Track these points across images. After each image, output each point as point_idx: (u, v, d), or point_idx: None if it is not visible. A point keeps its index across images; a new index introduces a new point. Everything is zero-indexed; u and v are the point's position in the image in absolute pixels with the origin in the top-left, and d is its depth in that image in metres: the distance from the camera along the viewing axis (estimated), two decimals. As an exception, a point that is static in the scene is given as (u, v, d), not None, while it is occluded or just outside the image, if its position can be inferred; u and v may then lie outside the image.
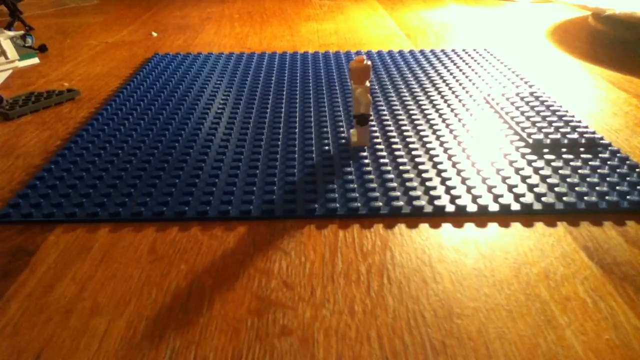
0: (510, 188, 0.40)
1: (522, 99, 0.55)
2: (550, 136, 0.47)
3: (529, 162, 0.43)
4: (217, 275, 0.32)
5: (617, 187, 0.39)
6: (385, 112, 0.55)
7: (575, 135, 0.47)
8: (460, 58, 0.72)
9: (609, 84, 0.63)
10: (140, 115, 0.56)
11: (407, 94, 0.59)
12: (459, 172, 0.42)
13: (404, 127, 0.51)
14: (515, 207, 0.38)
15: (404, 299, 0.30)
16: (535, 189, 0.39)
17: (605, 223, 0.36)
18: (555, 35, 0.86)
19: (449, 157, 0.45)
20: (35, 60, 0.80)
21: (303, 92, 0.61)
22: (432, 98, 0.58)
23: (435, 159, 0.44)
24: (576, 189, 0.39)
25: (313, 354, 0.26)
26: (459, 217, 0.37)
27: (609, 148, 0.45)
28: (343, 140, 0.49)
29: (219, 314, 0.29)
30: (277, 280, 0.31)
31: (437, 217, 0.37)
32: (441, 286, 0.31)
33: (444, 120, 0.52)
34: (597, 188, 0.39)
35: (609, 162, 0.43)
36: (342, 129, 0.51)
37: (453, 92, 0.59)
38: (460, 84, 0.62)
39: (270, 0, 1.21)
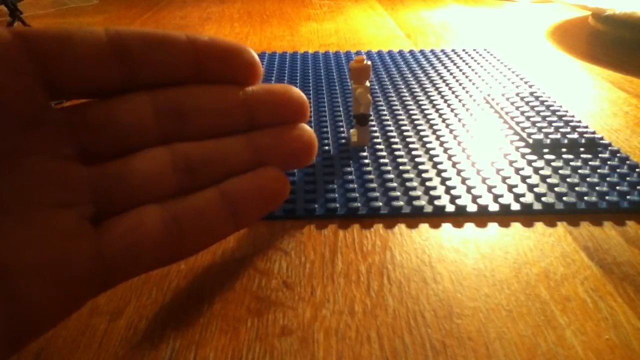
0: (510, 188, 0.40)
1: (522, 99, 0.55)
2: (550, 136, 0.47)
3: (529, 162, 0.43)
4: (217, 275, 0.32)
5: (617, 187, 0.39)
6: (385, 112, 0.55)
7: (575, 135, 0.47)
8: (460, 58, 0.72)
9: (609, 84, 0.63)
10: (140, 115, 0.55)
11: (407, 94, 0.59)
12: (459, 172, 0.42)
13: (404, 127, 0.51)
14: (515, 207, 0.38)
15: (404, 299, 0.30)
16: (535, 189, 0.39)
17: (605, 223, 0.36)
18: (555, 35, 0.86)
19: (449, 157, 0.45)
20: (35, 60, 0.79)
21: (303, 92, 0.61)
22: (432, 98, 0.58)
23: (435, 159, 0.44)
24: (576, 189, 0.39)
25: (313, 354, 0.26)
26: (459, 217, 0.37)
27: (609, 148, 0.45)
28: (343, 140, 0.49)
29: (219, 314, 0.29)
30: (277, 280, 0.31)
31: (437, 217, 0.37)
32: (441, 286, 0.31)
33: (444, 120, 0.52)
34: (597, 188, 0.39)
35: (609, 162, 0.43)
36: (342, 129, 0.51)
37: (453, 92, 0.59)
38: (460, 84, 0.62)
39: (270, 0, 1.21)
